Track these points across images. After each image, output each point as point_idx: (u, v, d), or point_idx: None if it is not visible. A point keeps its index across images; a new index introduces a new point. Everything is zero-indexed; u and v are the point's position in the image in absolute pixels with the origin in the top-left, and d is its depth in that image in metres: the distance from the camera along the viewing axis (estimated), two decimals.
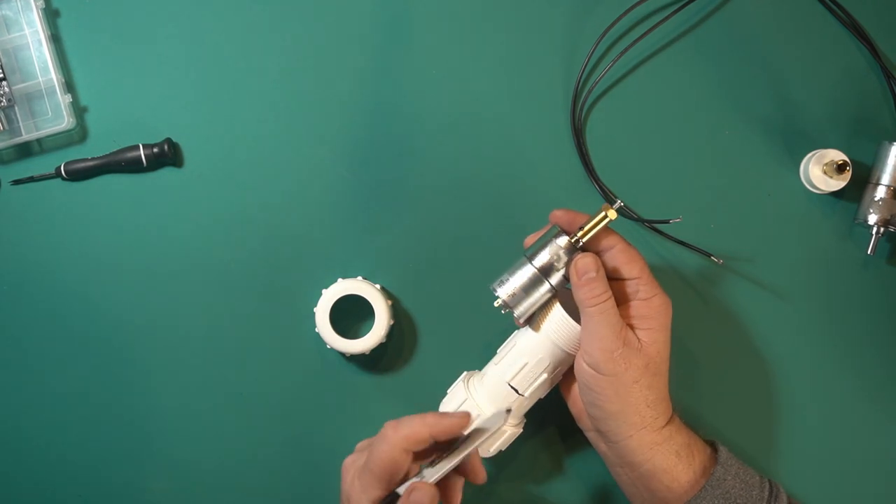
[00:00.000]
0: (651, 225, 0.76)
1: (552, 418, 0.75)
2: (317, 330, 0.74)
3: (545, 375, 0.67)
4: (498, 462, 0.76)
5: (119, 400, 0.77)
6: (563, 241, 0.64)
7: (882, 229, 0.73)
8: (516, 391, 0.67)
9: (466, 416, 0.62)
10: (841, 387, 0.76)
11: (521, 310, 0.66)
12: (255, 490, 0.77)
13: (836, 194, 0.75)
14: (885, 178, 0.73)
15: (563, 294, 0.67)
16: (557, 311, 0.66)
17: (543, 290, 0.65)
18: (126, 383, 0.77)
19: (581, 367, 0.64)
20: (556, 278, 0.65)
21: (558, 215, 0.66)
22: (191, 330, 0.77)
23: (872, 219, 0.73)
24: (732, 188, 0.76)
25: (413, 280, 0.77)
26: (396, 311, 0.76)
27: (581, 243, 0.64)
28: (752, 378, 0.75)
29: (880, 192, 0.73)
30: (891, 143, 0.73)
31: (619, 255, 0.64)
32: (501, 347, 0.70)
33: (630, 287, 0.64)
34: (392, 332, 0.76)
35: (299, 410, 0.76)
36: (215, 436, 0.77)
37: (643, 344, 0.63)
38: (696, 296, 0.76)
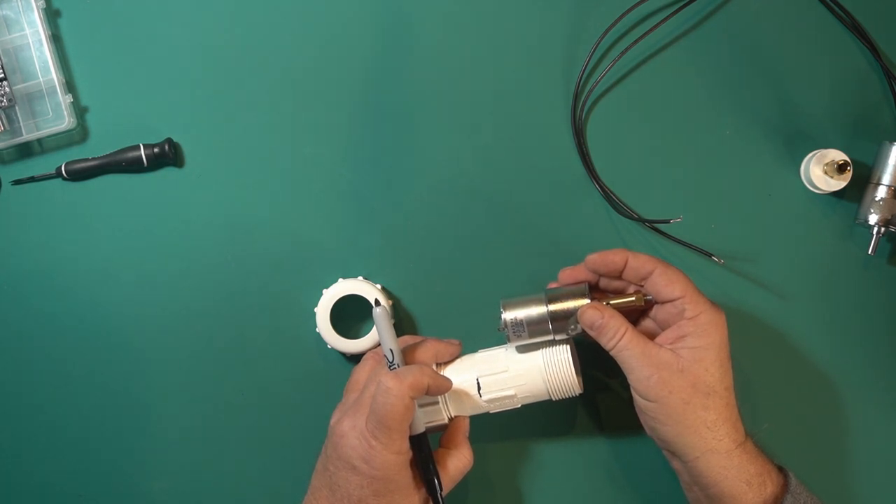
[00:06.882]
0: (651, 225, 0.76)
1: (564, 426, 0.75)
2: (317, 330, 0.74)
3: (513, 393, 0.67)
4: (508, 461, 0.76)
5: (119, 400, 0.77)
6: (584, 303, 0.66)
7: (883, 229, 0.73)
8: (478, 388, 0.67)
9: (457, 345, 0.69)
10: (841, 387, 0.76)
11: (516, 340, 0.67)
12: (256, 490, 0.76)
13: (836, 194, 0.75)
14: (886, 178, 0.73)
15: None
16: (565, 353, 0.67)
17: (545, 335, 0.67)
18: (126, 383, 0.77)
19: (633, 395, 0.65)
20: (560, 329, 0.66)
21: (593, 259, 0.67)
22: (191, 330, 0.77)
23: (873, 219, 0.73)
24: (733, 188, 0.76)
25: (413, 280, 0.77)
26: (397, 310, 0.76)
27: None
28: (752, 378, 0.75)
29: (881, 192, 0.73)
30: (891, 143, 0.73)
31: (658, 279, 0.65)
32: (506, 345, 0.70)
33: (675, 307, 0.65)
34: None
35: (300, 410, 0.76)
36: (215, 435, 0.77)
37: (685, 363, 0.63)
38: None
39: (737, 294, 0.76)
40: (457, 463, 0.67)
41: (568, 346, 0.67)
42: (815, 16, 0.77)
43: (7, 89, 0.75)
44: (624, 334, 0.64)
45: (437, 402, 0.67)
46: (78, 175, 0.76)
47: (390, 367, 0.65)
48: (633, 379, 0.64)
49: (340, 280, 0.75)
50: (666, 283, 0.65)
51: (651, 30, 0.76)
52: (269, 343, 0.77)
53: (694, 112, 0.77)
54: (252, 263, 0.77)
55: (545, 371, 0.66)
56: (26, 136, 0.76)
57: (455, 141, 0.77)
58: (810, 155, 0.75)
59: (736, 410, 0.65)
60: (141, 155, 0.76)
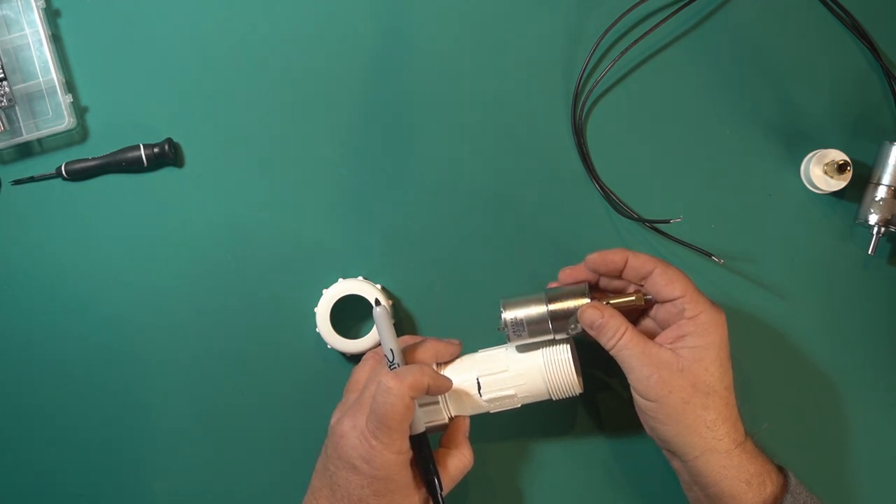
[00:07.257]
0: (651, 225, 0.76)
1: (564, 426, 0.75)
2: (317, 330, 0.74)
3: (513, 393, 0.67)
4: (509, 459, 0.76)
5: (119, 400, 0.77)
6: (584, 302, 0.66)
7: (883, 229, 0.73)
8: (479, 387, 0.67)
9: (457, 345, 0.69)
10: (841, 387, 0.76)
11: (516, 340, 0.67)
12: (256, 490, 0.76)
13: (836, 194, 0.75)
14: (886, 178, 0.73)
15: None
16: (565, 352, 0.67)
17: (545, 335, 0.67)
18: (126, 383, 0.77)
19: (633, 395, 0.65)
20: (560, 328, 0.66)
21: (593, 258, 0.67)
22: (191, 330, 0.77)
23: (873, 219, 0.73)
24: (733, 188, 0.76)
25: (413, 280, 0.77)
26: (397, 310, 0.76)
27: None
28: (752, 378, 0.75)
29: (881, 192, 0.73)
30: (891, 143, 0.73)
31: (658, 279, 0.65)
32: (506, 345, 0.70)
33: (675, 307, 0.65)
34: None
35: (300, 410, 0.76)
36: (215, 435, 0.77)
37: (685, 363, 0.63)
38: None
39: (737, 294, 0.76)
40: (457, 463, 0.67)
41: (568, 346, 0.67)
42: (815, 16, 0.77)
43: (7, 89, 0.75)
44: (624, 334, 0.64)
45: (437, 402, 0.67)
46: (78, 175, 0.76)
47: (390, 366, 0.65)
48: (632, 378, 0.64)
49: (340, 280, 0.75)
50: (666, 282, 0.65)
51: (651, 30, 0.76)
52: (269, 343, 0.77)
53: (694, 112, 0.77)
54: (252, 263, 0.77)
55: (545, 371, 0.66)
56: (26, 136, 0.76)
57: (455, 141, 0.77)
58: (810, 155, 0.75)
59: (736, 410, 0.65)
60: (141, 155, 0.76)
